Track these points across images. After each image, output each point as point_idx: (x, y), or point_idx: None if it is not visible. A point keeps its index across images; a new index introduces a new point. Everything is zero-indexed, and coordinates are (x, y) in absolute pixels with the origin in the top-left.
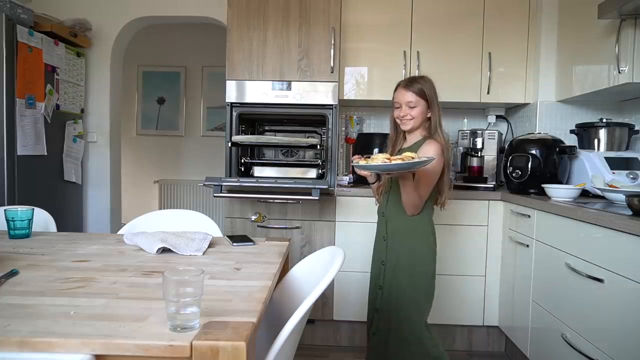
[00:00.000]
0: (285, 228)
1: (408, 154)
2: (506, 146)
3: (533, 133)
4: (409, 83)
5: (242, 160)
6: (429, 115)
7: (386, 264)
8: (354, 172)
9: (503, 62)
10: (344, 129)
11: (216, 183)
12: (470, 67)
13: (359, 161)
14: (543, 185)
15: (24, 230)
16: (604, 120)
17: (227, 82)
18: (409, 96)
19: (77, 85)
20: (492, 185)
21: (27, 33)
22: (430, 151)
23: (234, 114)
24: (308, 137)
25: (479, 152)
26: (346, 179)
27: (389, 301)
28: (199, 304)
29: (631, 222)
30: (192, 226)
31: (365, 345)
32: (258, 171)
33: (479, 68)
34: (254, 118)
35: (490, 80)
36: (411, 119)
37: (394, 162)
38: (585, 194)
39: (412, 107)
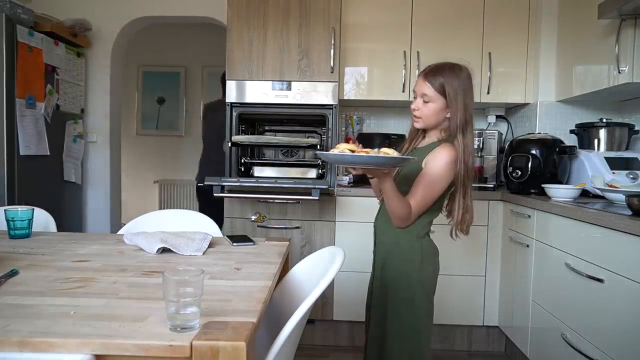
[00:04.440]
0: (285, 228)
1: (385, 149)
2: (506, 146)
3: (533, 133)
4: (431, 72)
5: (242, 160)
6: (448, 115)
7: (373, 282)
8: None
9: (503, 62)
10: (344, 129)
11: (216, 183)
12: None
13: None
14: (543, 185)
15: (24, 230)
16: (604, 120)
17: (227, 82)
18: (425, 88)
19: (77, 85)
20: (492, 185)
21: (27, 33)
22: (437, 157)
23: (234, 114)
24: (308, 137)
25: (479, 152)
26: (346, 179)
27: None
28: (199, 304)
29: (631, 222)
30: (192, 226)
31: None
32: (258, 171)
33: (479, 68)
34: (254, 118)
35: (490, 80)
36: (420, 117)
37: (356, 154)
38: (585, 194)
39: (426, 102)
